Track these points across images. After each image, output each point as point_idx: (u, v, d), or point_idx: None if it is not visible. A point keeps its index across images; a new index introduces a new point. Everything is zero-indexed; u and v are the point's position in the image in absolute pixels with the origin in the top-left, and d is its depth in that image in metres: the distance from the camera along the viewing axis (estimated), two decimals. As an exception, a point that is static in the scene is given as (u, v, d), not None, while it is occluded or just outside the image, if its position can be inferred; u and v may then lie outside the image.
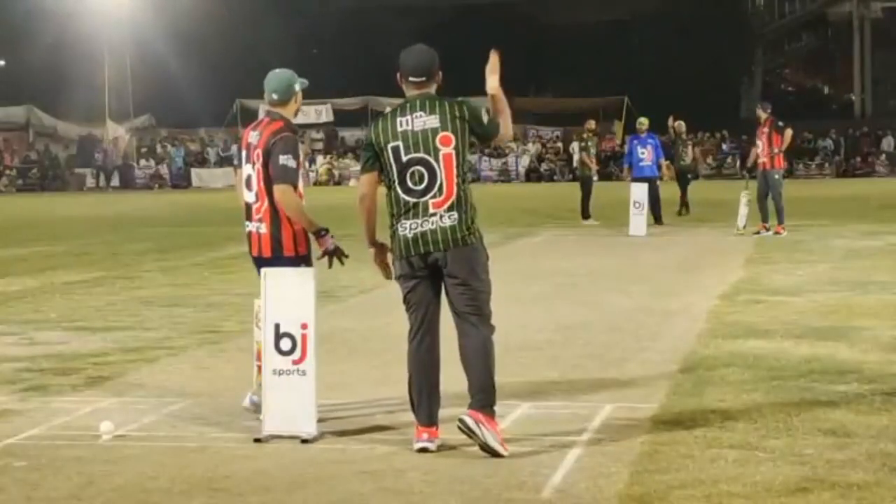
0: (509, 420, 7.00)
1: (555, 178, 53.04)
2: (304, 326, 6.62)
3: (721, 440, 6.41)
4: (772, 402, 7.31)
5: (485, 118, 6.47)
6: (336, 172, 54.42)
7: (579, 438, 6.58)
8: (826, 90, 74.30)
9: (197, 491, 5.78)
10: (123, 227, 26.19)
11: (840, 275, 14.17)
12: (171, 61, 54.21)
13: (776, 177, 20.49)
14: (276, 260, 7.05)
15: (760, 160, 20.62)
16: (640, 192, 21.62)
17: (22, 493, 5.82)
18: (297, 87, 7.29)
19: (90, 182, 54.32)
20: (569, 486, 5.70)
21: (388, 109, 6.79)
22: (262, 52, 53.23)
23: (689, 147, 27.08)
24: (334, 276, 14.43)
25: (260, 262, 7.16)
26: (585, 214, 24.69)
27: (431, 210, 6.35)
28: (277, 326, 6.64)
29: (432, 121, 6.37)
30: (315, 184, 50.66)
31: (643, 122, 24.46)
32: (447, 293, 6.43)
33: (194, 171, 55.05)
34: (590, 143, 25.97)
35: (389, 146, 6.43)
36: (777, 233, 20.11)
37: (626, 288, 13.43)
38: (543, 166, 54.78)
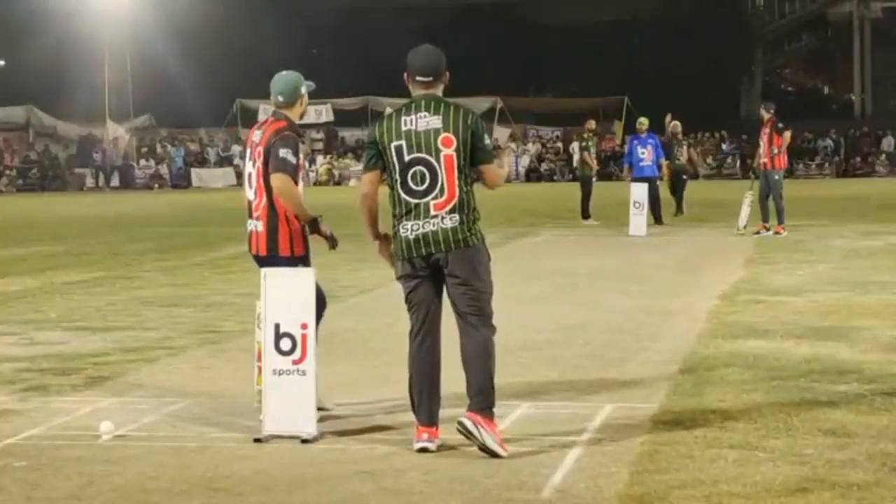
0: (509, 420, 7.00)
1: (555, 178, 53.04)
2: (304, 326, 6.63)
3: (721, 440, 6.41)
4: (772, 402, 7.32)
5: (487, 141, 6.46)
6: (336, 172, 54.42)
7: (579, 438, 6.58)
8: (826, 90, 74.30)
9: (197, 491, 5.78)
10: (123, 227, 26.19)
11: (840, 275, 14.17)
12: (171, 61, 54.19)
13: (776, 177, 20.52)
14: (272, 259, 7.08)
15: (762, 160, 20.66)
16: (640, 192, 21.62)
17: (22, 493, 5.82)
18: (303, 90, 7.33)
19: (90, 182, 54.30)
20: (569, 486, 5.71)
21: (388, 110, 6.81)
22: (262, 52, 53.23)
23: (685, 147, 27.08)
24: (334, 276, 14.49)
25: (257, 261, 7.23)
26: (585, 214, 24.69)
27: (433, 212, 6.35)
28: (277, 326, 6.64)
29: (435, 121, 6.37)
30: (315, 184, 50.66)
31: (643, 122, 24.46)
32: (449, 293, 6.43)
33: (194, 171, 55.03)
34: (590, 143, 25.98)
35: (392, 145, 6.43)
36: (777, 233, 20.12)
37: (626, 288, 13.43)
38: (543, 166, 54.77)
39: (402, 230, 6.42)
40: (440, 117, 6.37)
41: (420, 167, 6.37)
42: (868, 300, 11.88)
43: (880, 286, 12.98)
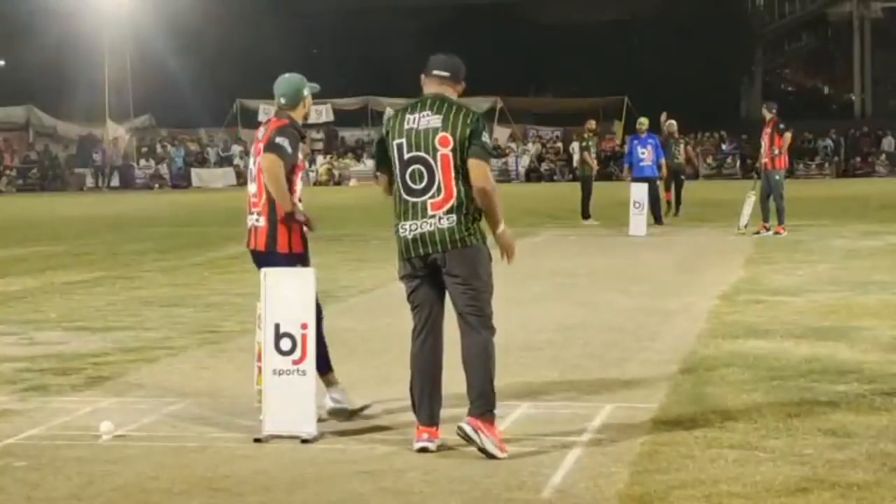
0: (509, 420, 7.00)
1: (555, 178, 53.02)
2: (304, 326, 6.63)
3: (721, 440, 6.41)
4: (772, 402, 7.32)
5: (486, 138, 6.39)
6: (336, 172, 54.42)
7: (579, 438, 6.58)
8: (826, 90, 74.30)
9: (197, 491, 5.78)
10: (123, 227, 26.19)
11: (840, 275, 14.17)
12: (171, 61, 54.18)
13: (777, 177, 20.55)
14: (270, 255, 7.10)
15: (763, 160, 20.68)
16: (640, 192, 21.62)
17: (22, 493, 5.82)
18: (306, 92, 7.37)
19: (90, 182, 54.29)
20: (569, 486, 5.71)
21: (388, 110, 6.83)
22: (262, 52, 53.25)
23: (682, 146, 27.07)
24: (334, 276, 14.49)
25: (255, 256, 7.25)
26: (585, 214, 24.69)
27: (430, 211, 6.35)
28: (277, 326, 6.64)
29: (435, 120, 6.37)
30: (315, 184, 50.66)
31: (643, 122, 24.47)
32: (449, 293, 6.43)
33: (194, 171, 55.02)
34: (590, 143, 25.99)
35: (395, 143, 6.46)
36: (777, 233, 20.13)
37: (626, 288, 13.43)
38: (543, 166, 54.76)
39: (400, 230, 6.43)
40: (440, 116, 6.37)
41: (418, 166, 6.37)
42: (868, 300, 11.88)
43: (880, 286, 12.98)
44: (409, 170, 6.39)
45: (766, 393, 7.58)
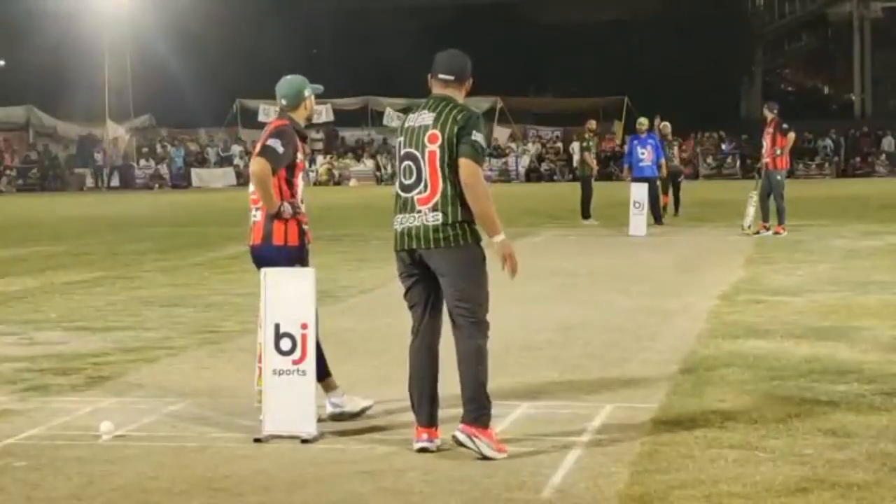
0: (509, 420, 7.00)
1: (555, 178, 53.01)
2: (304, 326, 6.63)
3: (721, 440, 6.41)
4: (772, 402, 7.32)
5: (476, 136, 6.28)
6: (336, 172, 54.41)
7: (579, 438, 6.58)
8: (826, 90, 74.29)
9: (197, 491, 5.78)
10: (123, 227, 26.19)
11: (840, 275, 14.17)
12: (171, 61, 54.18)
13: (778, 177, 20.57)
14: (266, 247, 7.14)
15: (764, 160, 20.68)
16: (640, 192, 21.62)
17: (22, 493, 5.82)
18: (307, 94, 7.38)
19: (90, 182, 54.28)
20: (569, 486, 5.71)
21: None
22: (262, 52, 53.28)
23: (676, 147, 27.04)
24: (334, 276, 14.49)
25: (253, 252, 7.28)
26: (585, 214, 24.69)
27: (417, 207, 6.36)
28: (277, 326, 6.64)
29: (428, 118, 6.39)
30: (315, 184, 50.65)
31: (643, 122, 24.47)
32: (442, 291, 6.42)
33: (194, 171, 55.01)
34: (591, 143, 25.99)
35: (398, 140, 6.54)
36: (777, 233, 20.13)
37: (626, 288, 13.43)
38: (543, 166, 54.75)
39: (394, 223, 6.47)
40: (433, 114, 6.38)
41: (409, 162, 6.40)
42: (868, 300, 11.88)
43: (880, 286, 12.98)
44: (403, 165, 6.44)
45: (766, 393, 7.58)
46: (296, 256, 7.09)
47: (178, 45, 54.61)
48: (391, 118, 48.38)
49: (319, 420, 6.79)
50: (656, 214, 23.34)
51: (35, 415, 7.48)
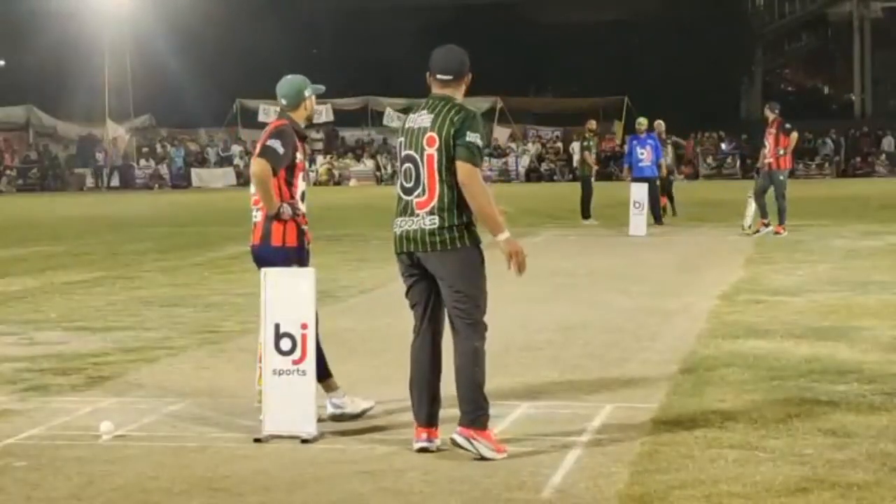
0: (509, 420, 7.00)
1: (555, 178, 53.01)
2: (304, 326, 6.63)
3: (721, 440, 6.41)
4: (772, 402, 7.32)
5: (472, 137, 6.23)
6: (336, 172, 54.41)
7: (579, 438, 6.58)
8: (826, 90, 74.30)
9: (197, 491, 5.78)
10: (123, 227, 26.18)
11: (840, 275, 14.17)
12: (171, 61, 54.17)
13: (781, 177, 20.58)
14: (264, 247, 7.16)
15: (766, 160, 20.68)
16: (640, 192, 21.62)
17: (22, 493, 5.82)
18: (308, 94, 7.37)
19: (90, 182, 54.28)
20: (569, 486, 5.71)
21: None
22: (262, 52, 53.25)
23: (669, 147, 27.02)
24: (334, 276, 14.48)
25: (253, 251, 7.30)
26: (585, 214, 24.69)
27: (416, 210, 6.35)
28: (277, 326, 6.64)
29: (426, 120, 6.36)
30: (315, 184, 50.64)
31: (641, 122, 24.46)
32: (441, 293, 6.41)
33: (194, 171, 55.00)
34: (591, 143, 25.99)
35: (398, 141, 6.52)
36: (777, 233, 20.13)
37: (626, 288, 13.43)
38: (543, 166, 54.74)
39: (394, 225, 6.46)
40: (432, 116, 6.35)
41: (409, 164, 6.39)
42: (868, 300, 11.88)
43: (880, 286, 12.98)
44: (403, 168, 6.43)
45: (766, 393, 7.58)
46: (294, 257, 7.09)
47: (178, 44, 54.59)
48: (391, 118, 48.39)
49: (319, 420, 6.79)
50: (656, 214, 23.33)
51: (35, 415, 7.48)
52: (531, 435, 6.66)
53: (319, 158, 54.89)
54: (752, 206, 20.89)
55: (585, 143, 25.85)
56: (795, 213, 22.07)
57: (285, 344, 6.63)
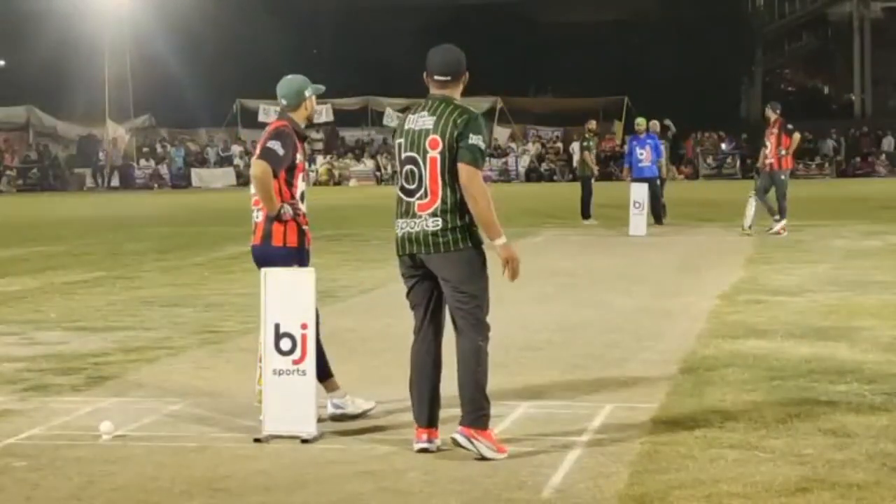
0: (509, 420, 7.01)
1: (555, 178, 53.01)
2: (304, 326, 6.63)
3: (721, 440, 6.41)
4: (772, 402, 7.32)
5: (474, 140, 6.24)
6: (336, 172, 54.41)
7: (579, 438, 6.58)
8: (826, 90, 74.30)
9: (197, 491, 5.78)
10: (123, 227, 26.18)
11: (840, 275, 14.17)
12: (171, 61, 54.17)
13: (782, 177, 20.60)
14: (265, 247, 7.16)
15: (768, 161, 20.67)
16: (640, 192, 21.62)
17: (22, 493, 5.82)
18: (308, 94, 7.36)
19: (90, 182, 54.27)
20: (569, 486, 5.71)
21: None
22: (261, 52, 53.29)
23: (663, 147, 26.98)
24: (334, 276, 14.49)
25: (253, 251, 7.30)
26: (586, 214, 24.69)
27: (418, 212, 6.35)
28: (277, 326, 6.64)
29: (428, 122, 6.35)
30: (315, 184, 50.64)
31: (640, 122, 24.44)
32: (444, 294, 6.42)
33: (194, 171, 54.98)
34: (591, 143, 25.99)
35: (397, 142, 6.49)
36: (778, 233, 20.13)
37: (626, 288, 13.43)
38: (543, 166, 54.74)
39: (396, 227, 6.46)
40: (434, 118, 6.34)
41: (411, 166, 6.38)
42: (868, 300, 11.88)
43: (880, 286, 12.98)
44: (405, 169, 6.41)
45: (766, 393, 7.58)
46: (294, 257, 7.09)
47: (178, 44, 54.59)
48: (391, 118, 48.38)
49: (320, 420, 6.79)
50: (656, 214, 23.31)
51: (35, 415, 7.48)
52: (531, 435, 6.66)
53: (319, 158, 54.88)
54: (751, 207, 20.87)
55: (585, 143, 25.85)
56: (795, 213, 22.06)
57: (285, 344, 6.63)
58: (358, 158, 55.95)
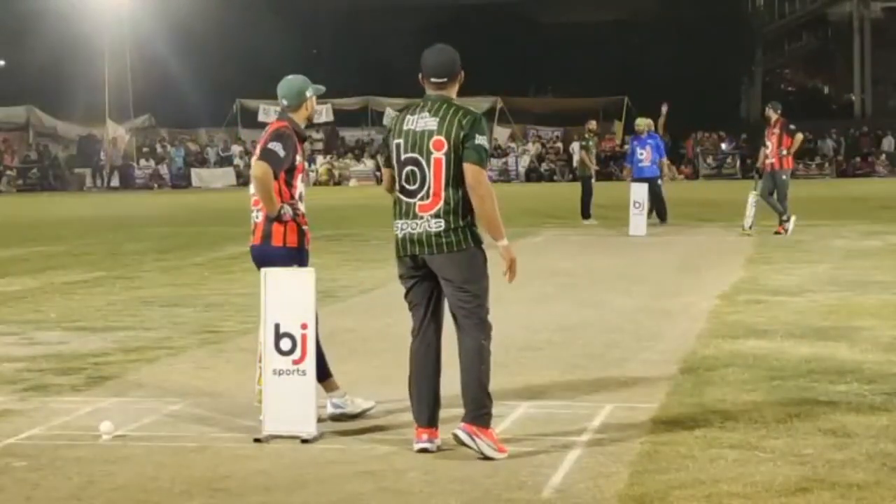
0: (509, 420, 7.01)
1: (555, 178, 53.01)
2: (304, 326, 6.63)
3: (721, 440, 6.41)
4: (772, 402, 7.32)
5: (480, 140, 6.28)
6: (336, 172, 54.40)
7: (579, 438, 6.58)
8: (826, 90, 74.30)
9: (197, 491, 5.78)
10: (123, 227, 26.18)
11: (840, 275, 14.17)
12: (171, 61, 54.17)
13: (784, 177, 20.60)
14: (265, 247, 7.16)
15: (769, 161, 20.66)
16: (640, 192, 21.61)
17: (22, 493, 5.82)
18: (308, 94, 7.36)
19: (90, 182, 54.27)
20: (569, 486, 5.71)
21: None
22: (262, 52, 53.23)
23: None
24: (334, 276, 14.49)
25: (253, 251, 7.30)
26: (586, 214, 24.69)
27: (419, 213, 6.35)
28: (277, 326, 6.64)
29: (431, 123, 6.35)
30: (315, 184, 50.65)
31: (639, 122, 24.42)
32: (445, 293, 6.42)
33: (194, 171, 54.97)
34: (590, 143, 25.99)
35: (394, 142, 6.47)
36: (777, 233, 20.13)
37: (626, 288, 13.43)
38: (543, 166, 54.74)
39: (395, 228, 6.46)
40: (437, 119, 6.34)
41: (412, 167, 6.37)
42: (868, 300, 11.88)
43: (880, 286, 12.98)
44: (405, 170, 6.40)
45: (766, 393, 7.58)
46: (294, 257, 7.09)
47: (178, 45, 54.60)
48: (391, 118, 48.36)
49: (319, 420, 6.79)
50: (660, 213, 23.24)
51: (35, 415, 7.48)
52: (531, 435, 6.66)
53: (319, 158, 54.90)
54: (752, 207, 20.86)
55: (584, 143, 25.83)
56: (796, 213, 22.04)
57: (285, 344, 6.63)
58: (358, 158, 55.94)
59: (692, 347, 9.37)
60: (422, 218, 6.34)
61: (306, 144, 7.69)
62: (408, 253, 6.40)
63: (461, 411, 6.35)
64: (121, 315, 12.01)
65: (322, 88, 7.49)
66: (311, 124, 7.78)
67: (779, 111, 20.99)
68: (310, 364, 6.63)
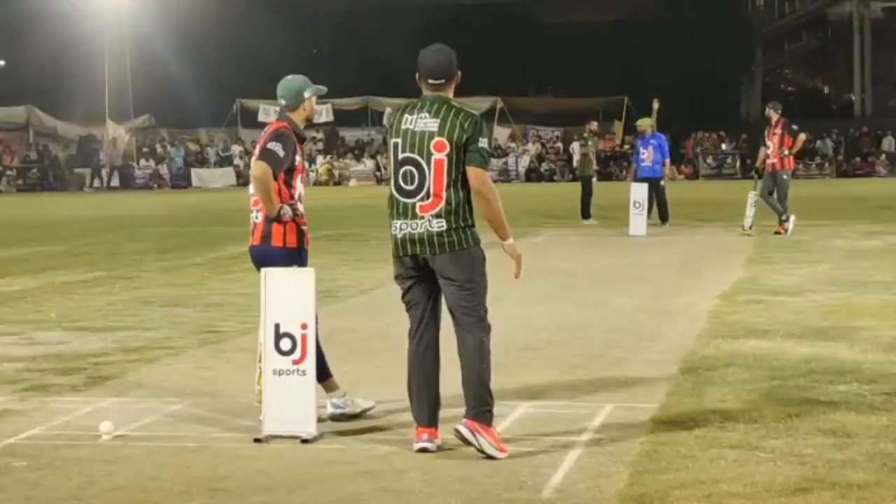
0: (509, 420, 7.01)
1: (555, 178, 53.02)
2: (304, 326, 6.63)
3: (721, 440, 6.41)
4: (772, 402, 7.32)
5: (483, 142, 6.32)
6: (336, 172, 54.40)
7: (579, 438, 6.58)
8: (826, 90, 74.29)
9: (197, 491, 5.78)
10: (123, 227, 26.18)
11: (840, 275, 14.17)
12: (171, 61, 54.15)
13: (784, 177, 20.60)
14: (264, 247, 7.16)
15: (770, 161, 20.65)
16: (640, 192, 21.61)
17: (22, 493, 5.82)
18: (307, 94, 7.35)
19: (90, 182, 54.26)
20: (569, 486, 5.71)
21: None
22: (262, 52, 53.24)
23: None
24: (334, 276, 14.49)
25: (252, 251, 7.30)
26: (586, 214, 24.68)
27: (419, 213, 6.35)
28: (277, 326, 6.64)
29: (432, 124, 6.35)
30: (315, 184, 50.66)
31: (639, 123, 24.41)
32: (443, 292, 6.42)
33: (194, 171, 54.98)
34: (589, 143, 25.98)
35: (392, 142, 6.47)
36: (778, 232, 20.14)
37: (626, 288, 13.43)
38: (543, 166, 54.75)
39: (392, 228, 6.46)
40: (437, 120, 6.34)
41: (410, 167, 6.37)
42: (868, 300, 11.88)
43: (880, 286, 12.98)
44: (402, 170, 6.40)
45: (766, 393, 7.58)
46: (294, 258, 7.09)
47: (178, 45, 54.57)
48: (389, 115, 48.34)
49: (319, 420, 6.79)
50: (662, 213, 23.20)
51: (35, 415, 7.48)
52: (531, 435, 6.66)
53: (319, 158, 54.90)
54: (751, 207, 20.86)
55: (583, 143, 25.82)
56: (796, 214, 22.05)
57: (285, 344, 6.63)
58: (358, 158, 55.95)
59: (692, 347, 9.37)
60: (422, 218, 6.34)
61: (306, 144, 7.68)
62: (408, 253, 6.39)
63: (461, 411, 6.35)
64: (121, 315, 12.01)
65: (323, 89, 7.48)
66: (310, 124, 7.77)
67: (779, 111, 20.99)
68: (310, 364, 6.63)
